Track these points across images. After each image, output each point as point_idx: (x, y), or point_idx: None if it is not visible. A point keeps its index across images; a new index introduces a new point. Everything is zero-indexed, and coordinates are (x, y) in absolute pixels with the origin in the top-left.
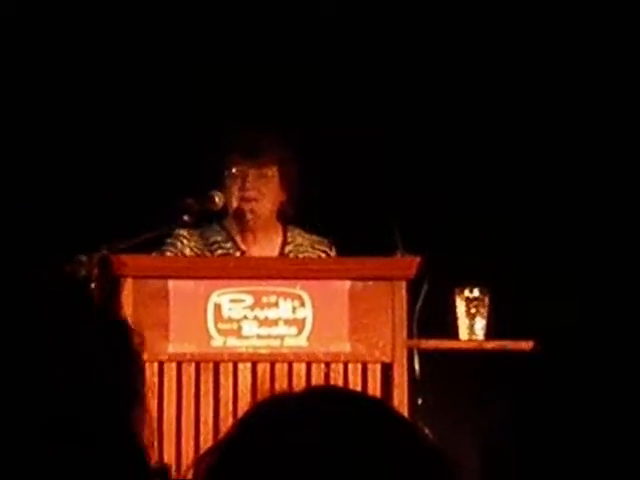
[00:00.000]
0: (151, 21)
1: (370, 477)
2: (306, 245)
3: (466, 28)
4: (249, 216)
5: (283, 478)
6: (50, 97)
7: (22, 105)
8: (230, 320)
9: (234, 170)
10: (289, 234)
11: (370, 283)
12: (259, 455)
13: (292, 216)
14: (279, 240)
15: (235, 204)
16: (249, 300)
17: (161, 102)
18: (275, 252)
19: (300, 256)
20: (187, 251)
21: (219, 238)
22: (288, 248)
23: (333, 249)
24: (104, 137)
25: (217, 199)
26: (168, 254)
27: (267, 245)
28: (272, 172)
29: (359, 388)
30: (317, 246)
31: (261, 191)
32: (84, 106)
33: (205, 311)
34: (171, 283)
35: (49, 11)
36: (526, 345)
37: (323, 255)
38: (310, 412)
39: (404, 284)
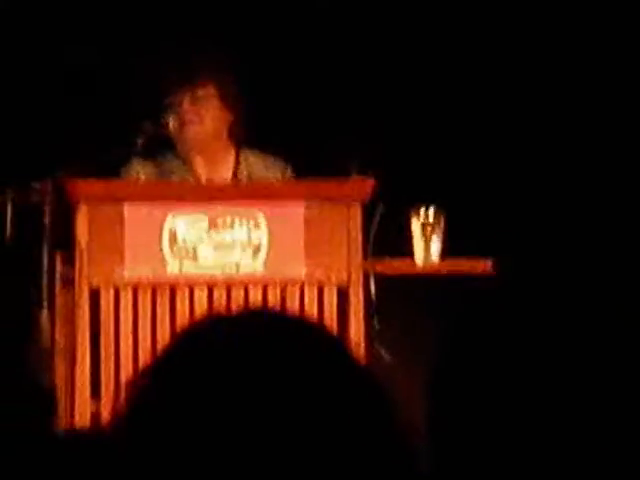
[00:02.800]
0: None
1: (295, 398)
2: (260, 165)
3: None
4: (192, 139)
5: (211, 399)
6: None
7: None
8: (185, 243)
9: (173, 95)
10: (242, 155)
11: (325, 205)
12: (189, 377)
13: (244, 136)
14: (232, 162)
15: (177, 128)
16: (204, 222)
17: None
18: (229, 173)
19: (254, 177)
20: (142, 177)
21: (173, 164)
22: (241, 168)
23: (289, 169)
24: (59, 62)
25: (171, 124)
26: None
27: (220, 167)
28: (209, 92)
29: (315, 312)
30: (272, 167)
31: (199, 113)
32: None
33: (160, 235)
34: (126, 208)
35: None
36: (483, 265)
37: (278, 175)
38: (242, 333)
39: (359, 206)
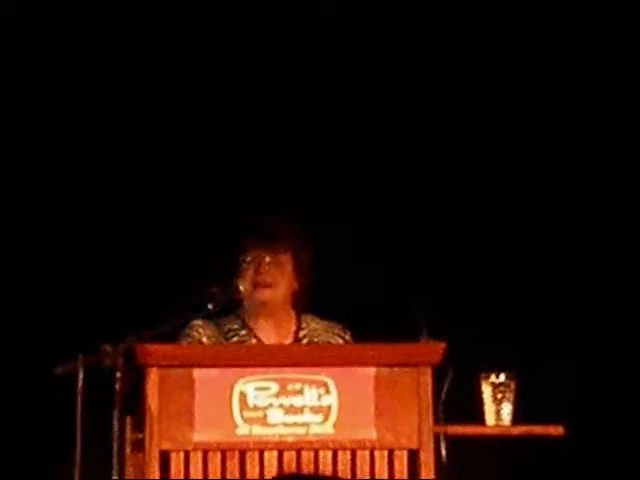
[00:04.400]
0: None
1: None
2: (320, 330)
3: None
4: (263, 302)
5: None
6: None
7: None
8: (255, 408)
9: (250, 256)
10: (302, 320)
11: (395, 369)
12: None
13: (306, 304)
14: (293, 327)
15: (249, 290)
16: (274, 388)
17: (179, 190)
18: (289, 338)
19: (315, 341)
20: (204, 340)
21: (235, 326)
22: (302, 333)
23: (348, 333)
24: (123, 224)
25: (242, 288)
26: (185, 344)
27: (281, 331)
28: (286, 259)
29: (386, 475)
30: (331, 330)
31: (276, 278)
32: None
33: (230, 399)
34: (196, 372)
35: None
36: (554, 430)
37: (339, 339)
38: None
39: (429, 370)
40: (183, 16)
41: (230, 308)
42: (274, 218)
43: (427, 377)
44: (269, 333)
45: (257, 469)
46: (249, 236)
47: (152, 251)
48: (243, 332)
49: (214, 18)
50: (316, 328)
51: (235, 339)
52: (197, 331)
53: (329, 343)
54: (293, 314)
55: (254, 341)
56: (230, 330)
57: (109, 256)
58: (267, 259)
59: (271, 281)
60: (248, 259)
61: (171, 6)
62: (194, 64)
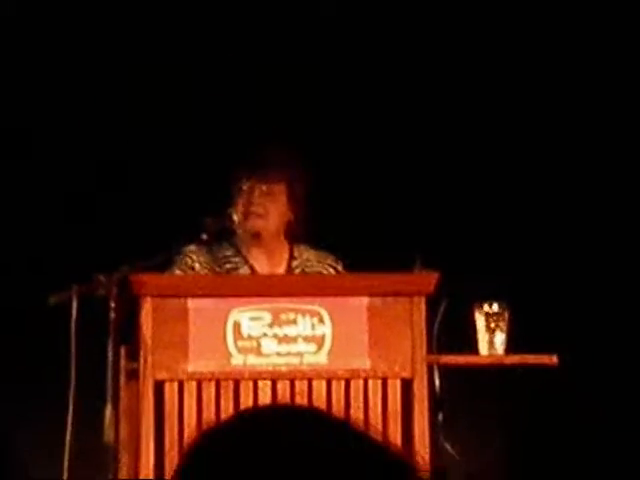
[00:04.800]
0: (152, 30)
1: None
2: (313, 260)
3: (466, 29)
4: (255, 232)
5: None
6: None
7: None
8: (249, 338)
9: (243, 185)
10: (295, 250)
11: (389, 299)
12: (215, 462)
13: (302, 235)
14: (286, 256)
15: (241, 219)
16: (268, 318)
17: (175, 121)
18: (282, 267)
19: (307, 271)
20: (197, 266)
21: (228, 253)
22: (295, 263)
23: (340, 264)
24: (119, 155)
25: (235, 217)
26: (177, 272)
27: (275, 260)
28: (280, 189)
29: (379, 404)
30: (324, 261)
31: (268, 208)
32: (93, 118)
33: (224, 329)
34: (190, 302)
35: (49, 11)
36: (548, 359)
37: (331, 269)
38: (262, 427)
39: (423, 300)
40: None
41: (224, 236)
42: (269, 147)
43: (420, 307)
44: (262, 261)
45: (251, 399)
46: (243, 165)
47: (146, 181)
48: (236, 259)
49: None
50: (309, 258)
51: (228, 266)
52: (190, 257)
53: (321, 273)
54: (286, 244)
55: (246, 268)
56: (223, 257)
57: (103, 187)
58: (261, 189)
59: (262, 211)
60: (242, 188)
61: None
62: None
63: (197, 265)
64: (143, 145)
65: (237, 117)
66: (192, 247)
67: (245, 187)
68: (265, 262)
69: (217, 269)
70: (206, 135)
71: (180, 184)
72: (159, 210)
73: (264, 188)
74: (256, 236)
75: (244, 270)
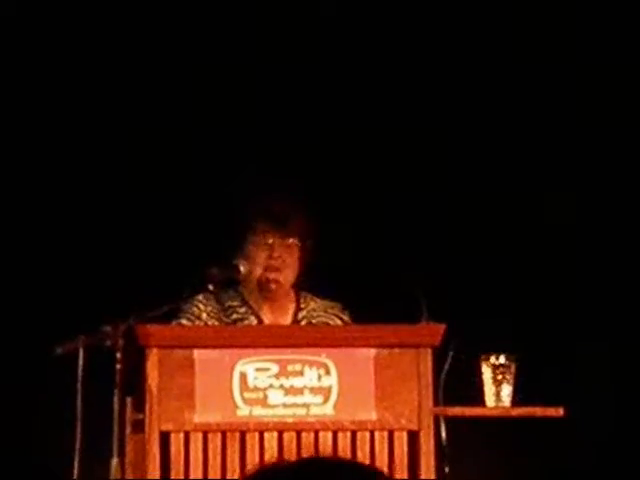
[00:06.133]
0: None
1: None
2: (319, 310)
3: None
4: (272, 285)
5: None
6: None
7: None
8: (256, 389)
9: (261, 238)
10: (302, 300)
11: (395, 350)
12: None
13: (302, 282)
14: (293, 306)
15: (259, 272)
16: (274, 368)
17: (181, 171)
18: (289, 317)
19: (314, 321)
20: (204, 316)
21: (235, 303)
22: (302, 314)
23: (346, 313)
24: (125, 205)
25: (242, 268)
26: (184, 321)
27: (281, 310)
28: (295, 242)
29: (386, 456)
30: (330, 310)
31: (286, 261)
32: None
33: (231, 380)
34: (196, 352)
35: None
36: (555, 412)
37: (337, 319)
38: None
39: (430, 351)
40: (182, 15)
41: (230, 286)
42: (284, 202)
43: (427, 358)
44: (269, 312)
45: (257, 450)
46: (259, 218)
47: (152, 232)
48: (243, 310)
49: (214, 17)
50: (315, 308)
51: (234, 316)
52: (197, 306)
53: (328, 323)
54: (293, 294)
55: (253, 319)
56: (230, 307)
57: (110, 237)
58: (278, 242)
59: (280, 265)
60: (259, 241)
61: (172, 6)
62: (192, 64)
63: (204, 315)
64: (146, 198)
65: (236, 167)
66: (200, 297)
67: (260, 240)
68: (272, 313)
69: (224, 319)
70: (208, 186)
71: (183, 234)
72: (164, 260)
73: (281, 242)
74: (271, 290)
75: (251, 321)
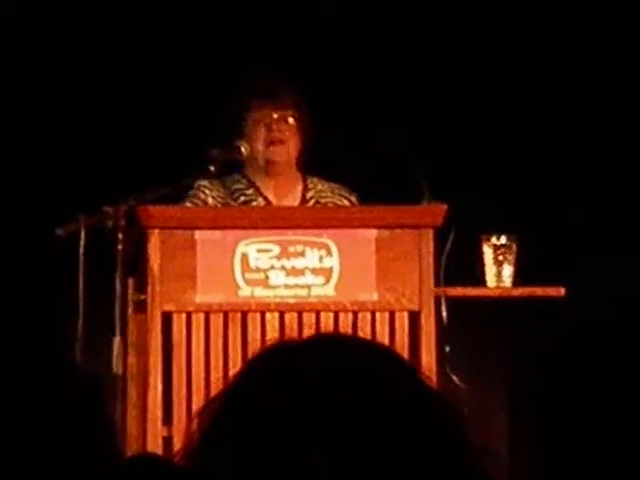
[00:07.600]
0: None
1: (370, 425)
2: (327, 191)
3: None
4: (276, 160)
5: (283, 425)
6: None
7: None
8: (257, 270)
9: (257, 114)
10: (309, 181)
11: (397, 231)
12: (261, 404)
13: (307, 164)
14: (300, 187)
15: (261, 149)
16: (276, 250)
17: (179, 56)
18: (297, 198)
19: (322, 202)
20: (210, 200)
21: (241, 186)
22: (309, 194)
23: (354, 195)
24: (127, 89)
25: (243, 149)
26: (190, 205)
27: (289, 192)
28: (292, 116)
29: (386, 336)
30: (337, 192)
31: (285, 133)
32: (101, 61)
33: (232, 261)
34: (198, 234)
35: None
36: (555, 291)
37: (345, 200)
38: (314, 360)
39: (431, 232)
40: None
41: (234, 168)
42: (275, 74)
43: (429, 239)
44: (276, 192)
45: (259, 330)
46: (252, 93)
47: (153, 114)
48: (250, 191)
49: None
50: (323, 189)
51: (242, 199)
52: (203, 192)
53: (336, 204)
54: (299, 175)
55: (261, 200)
56: (237, 190)
57: (110, 118)
58: (275, 116)
59: (283, 137)
60: (256, 117)
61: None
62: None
63: (210, 200)
64: (147, 81)
65: (230, 44)
66: (205, 182)
67: (258, 116)
68: (279, 193)
69: (232, 203)
70: (202, 63)
71: (184, 115)
72: (164, 141)
73: (278, 115)
74: (275, 165)
75: (258, 202)
